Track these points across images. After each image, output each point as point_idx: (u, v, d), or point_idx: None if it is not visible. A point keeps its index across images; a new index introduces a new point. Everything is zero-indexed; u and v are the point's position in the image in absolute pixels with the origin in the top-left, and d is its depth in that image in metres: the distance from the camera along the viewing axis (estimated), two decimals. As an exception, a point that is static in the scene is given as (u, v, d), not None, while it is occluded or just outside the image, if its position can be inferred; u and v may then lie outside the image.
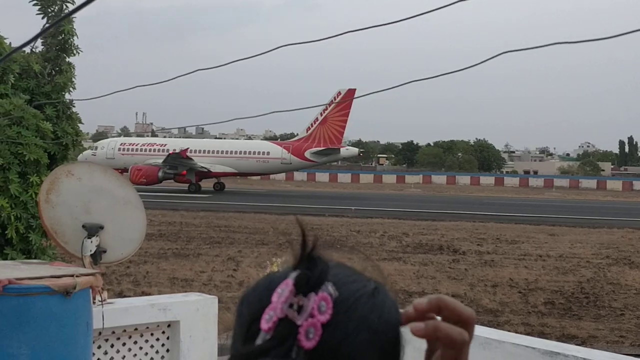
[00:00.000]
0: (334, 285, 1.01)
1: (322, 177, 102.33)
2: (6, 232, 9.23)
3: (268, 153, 59.65)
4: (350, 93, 54.85)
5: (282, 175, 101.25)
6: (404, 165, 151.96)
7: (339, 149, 59.43)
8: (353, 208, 42.77)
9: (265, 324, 0.97)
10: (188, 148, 57.11)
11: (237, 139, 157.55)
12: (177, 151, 55.00)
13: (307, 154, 59.07)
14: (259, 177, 74.35)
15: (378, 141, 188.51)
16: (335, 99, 54.82)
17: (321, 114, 58.37)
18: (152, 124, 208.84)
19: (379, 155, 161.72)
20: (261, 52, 4.87)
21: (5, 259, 9.30)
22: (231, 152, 59.75)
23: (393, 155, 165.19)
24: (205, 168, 56.97)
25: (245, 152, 59.71)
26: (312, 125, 59.65)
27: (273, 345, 0.95)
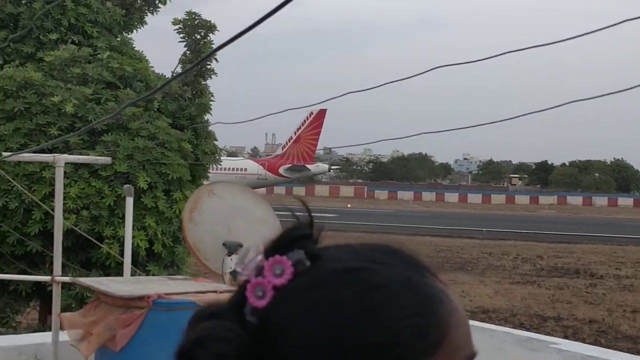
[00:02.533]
0: (322, 260, 0.93)
1: (451, 197, 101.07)
2: (153, 247, 9.70)
3: (245, 169, 62.40)
4: (321, 113, 57.86)
5: (410, 195, 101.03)
6: (538, 186, 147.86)
7: (305, 165, 61.90)
8: (484, 229, 41.96)
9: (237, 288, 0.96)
10: None
11: (363, 159, 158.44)
12: None
13: (280, 170, 62.34)
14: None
15: (510, 161, 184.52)
16: (307, 119, 58.38)
17: (295, 133, 61.62)
18: (281, 144, 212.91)
19: (511, 176, 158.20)
20: (417, 74, 4.82)
21: (148, 274, 9.75)
22: (217, 168, 62.73)
23: (526, 175, 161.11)
24: None
25: (227, 169, 62.34)
26: (287, 143, 63.49)
27: (228, 306, 0.93)
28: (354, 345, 0.88)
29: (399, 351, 0.89)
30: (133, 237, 9.37)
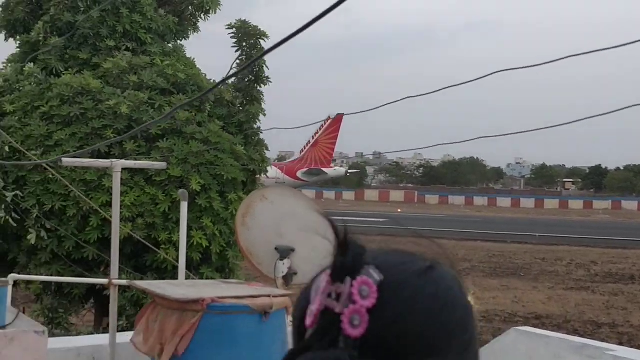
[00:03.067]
0: (378, 269, 0.92)
1: (504, 202, 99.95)
2: (210, 247, 9.84)
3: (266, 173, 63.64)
4: (339, 118, 57.23)
5: (461, 200, 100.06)
6: (592, 190, 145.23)
7: (322, 169, 62.18)
8: (537, 234, 41.38)
9: (308, 319, 0.91)
10: None
11: (413, 163, 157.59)
12: None
13: (298, 174, 62.77)
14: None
15: (563, 165, 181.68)
16: (325, 123, 58.09)
17: (313, 138, 61.96)
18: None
19: (564, 180, 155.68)
20: (475, 79, 4.79)
21: (202, 277, 9.87)
22: None
23: (580, 180, 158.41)
24: None
25: None
26: (305, 148, 63.66)
27: (317, 338, 0.89)
28: (461, 333, 0.96)
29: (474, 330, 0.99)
30: (192, 236, 9.56)
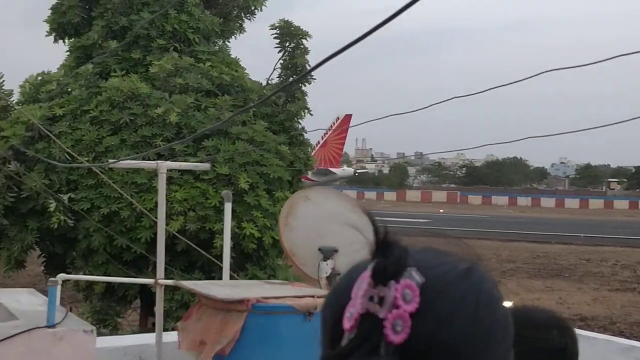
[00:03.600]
0: (418, 270, 0.88)
1: (548, 202, 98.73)
2: (263, 239, 9.96)
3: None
4: (347, 119, 58.00)
5: (504, 200, 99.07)
6: (637, 190, 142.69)
7: (331, 169, 61.37)
8: (582, 235, 40.80)
9: (347, 322, 0.86)
10: None
11: (455, 163, 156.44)
12: None
13: (309, 174, 62.40)
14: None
15: (608, 164, 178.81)
16: (334, 124, 58.52)
17: (322, 138, 61.32)
18: (371, 149, 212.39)
19: (609, 180, 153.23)
20: (523, 78, 4.74)
21: (247, 275, 9.96)
22: None
23: (625, 180, 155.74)
24: None
25: None
26: (314, 148, 63.41)
27: (357, 344, 0.85)
28: (503, 332, 0.94)
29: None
30: (243, 228, 9.71)
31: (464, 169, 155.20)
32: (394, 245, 0.88)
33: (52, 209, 9.72)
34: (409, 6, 2.61)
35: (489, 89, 5.12)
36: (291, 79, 11.29)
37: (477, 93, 5.32)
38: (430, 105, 5.78)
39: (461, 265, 0.93)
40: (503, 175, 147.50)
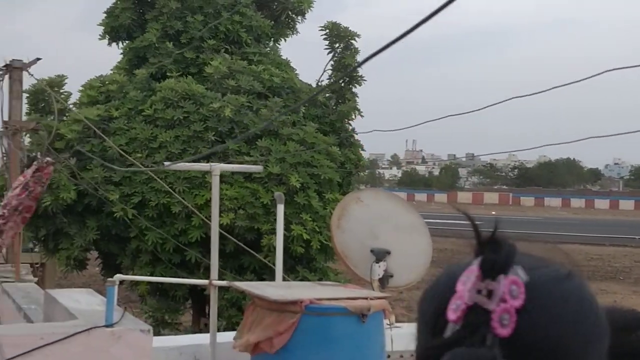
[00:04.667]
0: (523, 269, 0.90)
1: (602, 203, 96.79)
2: (311, 243, 10.01)
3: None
4: None
5: (557, 202, 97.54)
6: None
7: None
8: (637, 237, 39.97)
9: (453, 314, 0.88)
10: None
11: (507, 165, 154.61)
12: None
13: None
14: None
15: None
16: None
17: None
18: (421, 150, 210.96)
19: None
20: (585, 77, 4.64)
21: (297, 277, 10.00)
22: None
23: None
24: None
25: None
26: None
27: (465, 334, 0.86)
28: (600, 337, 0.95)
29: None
30: (292, 229, 9.76)
31: (516, 170, 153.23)
32: (502, 242, 0.91)
33: (116, 197, 9.99)
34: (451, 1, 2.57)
35: (548, 89, 5.04)
36: (340, 80, 11.32)
37: (535, 93, 5.24)
38: (489, 106, 5.72)
39: (561, 269, 0.96)
40: (556, 176, 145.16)
